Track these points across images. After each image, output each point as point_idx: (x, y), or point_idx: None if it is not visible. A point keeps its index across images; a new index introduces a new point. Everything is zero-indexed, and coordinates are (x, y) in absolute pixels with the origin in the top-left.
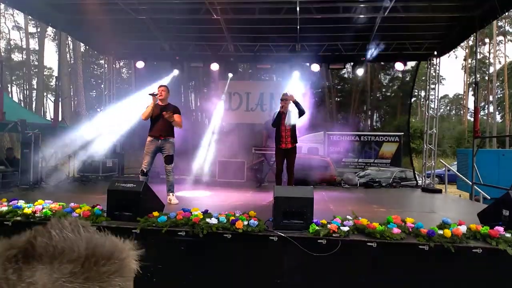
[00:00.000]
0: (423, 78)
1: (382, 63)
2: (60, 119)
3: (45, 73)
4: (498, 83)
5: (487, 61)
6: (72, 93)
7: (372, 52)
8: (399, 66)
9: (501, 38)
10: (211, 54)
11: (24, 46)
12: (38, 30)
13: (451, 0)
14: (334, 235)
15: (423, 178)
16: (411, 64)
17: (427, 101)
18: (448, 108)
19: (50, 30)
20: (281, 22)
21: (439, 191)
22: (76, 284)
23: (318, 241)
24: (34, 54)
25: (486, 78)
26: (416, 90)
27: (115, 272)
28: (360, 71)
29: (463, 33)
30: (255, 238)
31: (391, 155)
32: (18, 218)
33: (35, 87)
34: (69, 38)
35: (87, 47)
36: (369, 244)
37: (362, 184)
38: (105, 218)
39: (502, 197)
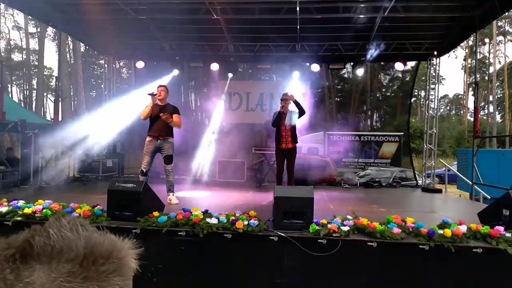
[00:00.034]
0: (423, 78)
1: (382, 63)
2: (60, 119)
3: (45, 73)
4: (498, 83)
5: (487, 61)
6: (72, 93)
7: (372, 52)
8: (399, 66)
9: (501, 38)
10: (211, 54)
11: (24, 46)
12: (38, 30)
13: (451, 0)
14: (334, 235)
15: (423, 178)
16: (411, 64)
17: (427, 101)
18: (448, 108)
19: (50, 30)
20: (281, 22)
21: (439, 191)
22: (75, 283)
23: (318, 241)
24: (34, 54)
25: (486, 78)
26: (416, 90)
27: (114, 272)
28: (360, 71)
29: (463, 33)
30: (255, 238)
31: (391, 155)
32: (18, 218)
33: (35, 87)
34: (69, 38)
35: (87, 47)
36: (369, 244)
37: (362, 184)
38: (105, 218)
39: (502, 196)
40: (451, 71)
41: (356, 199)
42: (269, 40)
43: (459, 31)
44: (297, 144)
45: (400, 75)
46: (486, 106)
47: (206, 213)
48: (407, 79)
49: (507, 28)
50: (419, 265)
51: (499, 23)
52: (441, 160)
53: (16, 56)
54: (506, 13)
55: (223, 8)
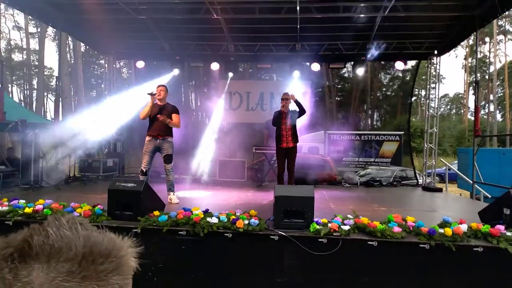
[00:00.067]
0: (423, 77)
1: (382, 62)
2: (60, 119)
3: (45, 73)
4: (499, 82)
5: (487, 60)
6: (72, 93)
7: (372, 51)
8: (399, 65)
9: (501, 37)
10: (211, 54)
11: (25, 46)
12: (39, 30)
13: None
14: (335, 234)
15: (424, 177)
16: (411, 63)
17: (428, 100)
18: (448, 107)
19: (50, 30)
20: (282, 21)
21: (440, 190)
22: (73, 283)
23: (319, 240)
24: (35, 54)
25: (487, 77)
26: (416, 89)
27: (113, 271)
28: (360, 71)
29: (463, 32)
30: (255, 237)
31: (392, 154)
32: (19, 218)
33: (35, 87)
34: (70, 38)
35: (87, 47)
36: (370, 243)
37: (362, 183)
38: (106, 218)
39: (502, 195)
40: (451, 70)
41: (357, 198)
42: (270, 39)
43: (459, 30)
44: (297, 144)
45: (400, 74)
46: (487, 105)
47: (206, 213)
48: (408, 78)
49: (507, 27)
50: (420, 264)
51: (500, 22)
52: (441, 159)
53: (17, 56)
54: (507, 12)
55: (223, 8)
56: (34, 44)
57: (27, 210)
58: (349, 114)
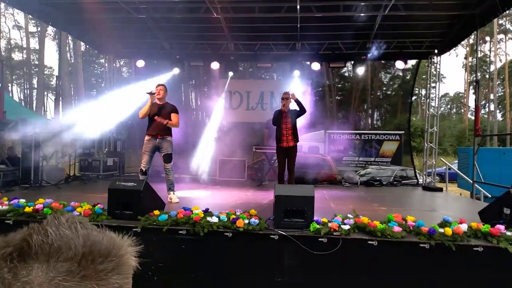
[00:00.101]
0: (424, 76)
1: (382, 61)
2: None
3: (45, 72)
4: (499, 82)
5: (487, 59)
6: (72, 92)
7: (372, 50)
8: (399, 64)
9: (501, 36)
10: (211, 53)
11: (25, 46)
12: (39, 29)
13: None
14: (335, 233)
15: (424, 176)
16: (411, 62)
17: (428, 100)
18: (448, 106)
19: (50, 30)
20: (282, 20)
21: (440, 190)
22: (73, 282)
23: (319, 239)
24: (35, 53)
25: (487, 76)
26: (416, 89)
27: (113, 270)
28: (360, 70)
29: (463, 31)
30: (256, 236)
31: (392, 153)
32: (19, 217)
33: (35, 86)
34: (70, 37)
35: (88, 46)
36: (370, 242)
37: (362, 182)
38: (106, 217)
39: (503, 195)
40: (451, 70)
41: (357, 198)
42: (270, 38)
43: (459, 29)
44: (297, 143)
45: (400, 73)
46: (487, 104)
47: (206, 212)
48: (408, 77)
49: (508, 26)
50: (420, 264)
51: (500, 21)
52: (441, 158)
53: (17, 56)
54: (507, 11)
55: (224, 7)
56: (34, 43)
57: (27, 209)
58: (349, 114)
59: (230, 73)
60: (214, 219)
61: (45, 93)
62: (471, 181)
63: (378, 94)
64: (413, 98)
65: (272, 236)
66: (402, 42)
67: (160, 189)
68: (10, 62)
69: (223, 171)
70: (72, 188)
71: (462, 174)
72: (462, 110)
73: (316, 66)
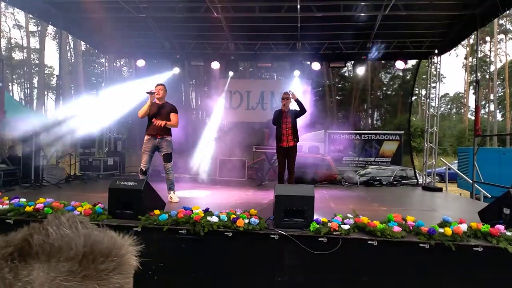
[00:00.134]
0: (424, 76)
1: (382, 61)
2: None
3: (45, 71)
4: (499, 82)
5: (488, 59)
6: (73, 92)
7: (373, 50)
8: (399, 64)
9: (502, 36)
10: (211, 53)
11: (25, 45)
12: (39, 28)
13: None
14: (335, 233)
15: (424, 176)
16: (411, 62)
17: (428, 100)
18: (448, 106)
19: (50, 29)
20: (282, 20)
21: (440, 190)
22: (74, 282)
23: (319, 239)
24: (35, 52)
25: (487, 76)
26: (416, 89)
27: (114, 270)
28: (360, 70)
29: (464, 31)
30: (256, 236)
31: (392, 153)
32: (20, 217)
33: (36, 85)
34: (70, 37)
35: (88, 45)
36: (369, 242)
37: (362, 182)
38: (106, 216)
39: (502, 195)
40: (452, 70)
41: (357, 198)
42: (270, 38)
43: (460, 29)
44: (297, 143)
45: (400, 73)
46: (487, 104)
47: (207, 212)
48: (408, 77)
49: (508, 26)
50: (420, 264)
51: (500, 21)
52: (441, 158)
53: (17, 55)
54: (507, 11)
55: (224, 7)
56: (34, 42)
57: (27, 208)
58: (349, 113)
59: (230, 73)
60: (215, 219)
61: (46, 92)
62: (471, 181)
63: (378, 94)
64: (413, 98)
65: (272, 236)
66: (402, 42)
67: (160, 188)
68: (10, 62)
69: (223, 170)
70: (73, 187)
71: (462, 174)
72: (462, 110)
73: (316, 66)
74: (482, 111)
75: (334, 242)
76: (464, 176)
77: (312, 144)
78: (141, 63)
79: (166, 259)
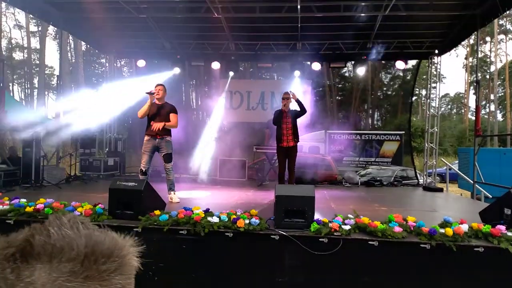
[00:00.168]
0: (424, 76)
1: (383, 61)
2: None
3: (46, 72)
4: (499, 82)
5: (488, 59)
6: (73, 92)
7: (373, 51)
8: (400, 64)
9: (502, 36)
10: (212, 53)
11: (26, 45)
12: (39, 29)
13: None
14: (335, 233)
15: (424, 177)
16: (412, 62)
17: (428, 100)
18: (449, 106)
19: (51, 29)
20: (282, 20)
21: (440, 190)
22: (76, 283)
23: (320, 239)
24: (36, 53)
25: (487, 76)
26: (417, 89)
27: (115, 271)
28: (361, 70)
29: (464, 32)
30: (256, 237)
31: (392, 154)
32: (20, 217)
33: (36, 86)
34: (70, 37)
35: (88, 45)
36: (370, 243)
37: (363, 182)
38: (106, 217)
39: (503, 196)
40: (452, 70)
41: (357, 198)
42: (270, 38)
43: (460, 29)
44: (298, 143)
45: (401, 73)
46: (487, 104)
47: (207, 212)
48: (408, 77)
49: (508, 26)
50: (421, 264)
51: (500, 22)
52: (442, 159)
53: (18, 55)
54: (507, 12)
55: (224, 7)
56: (35, 43)
57: (28, 209)
58: (350, 114)
59: (231, 73)
60: (215, 219)
61: (46, 92)
62: (472, 182)
63: (378, 94)
64: (414, 98)
65: (272, 236)
66: (402, 42)
67: (160, 189)
68: (11, 62)
69: (224, 171)
70: (73, 188)
71: (463, 175)
72: (463, 111)
73: (316, 66)
74: (483, 111)
75: (334, 242)
76: (465, 176)
77: (313, 144)
78: (141, 63)
79: (166, 260)
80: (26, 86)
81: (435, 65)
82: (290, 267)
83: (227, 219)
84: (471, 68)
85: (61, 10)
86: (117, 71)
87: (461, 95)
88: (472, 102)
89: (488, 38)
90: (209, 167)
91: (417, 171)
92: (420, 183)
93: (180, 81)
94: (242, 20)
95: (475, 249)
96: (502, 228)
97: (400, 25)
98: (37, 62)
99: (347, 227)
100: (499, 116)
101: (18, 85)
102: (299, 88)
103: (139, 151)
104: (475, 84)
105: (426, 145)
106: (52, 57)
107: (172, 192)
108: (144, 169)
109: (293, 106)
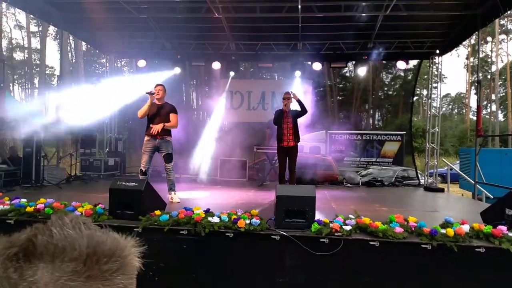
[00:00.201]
0: (425, 76)
1: (384, 61)
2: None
3: (46, 72)
4: (501, 82)
5: (489, 59)
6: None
7: (374, 51)
8: (401, 64)
9: (503, 36)
10: (212, 53)
11: (26, 45)
12: (40, 29)
13: None
14: (336, 234)
15: (426, 177)
16: (413, 62)
17: (429, 100)
18: (450, 107)
19: (51, 29)
20: (283, 20)
21: (442, 190)
22: (78, 282)
23: (320, 240)
24: (36, 53)
25: (489, 76)
26: (418, 89)
27: (117, 270)
28: (362, 70)
29: (465, 32)
30: (257, 237)
31: (393, 154)
32: (21, 217)
33: (36, 86)
34: (71, 37)
35: (89, 46)
36: (371, 243)
37: (364, 183)
38: (107, 217)
39: (505, 196)
40: (453, 70)
41: (358, 198)
42: (271, 38)
43: (461, 29)
44: (298, 143)
45: (402, 73)
46: (489, 105)
47: (207, 212)
48: (409, 77)
49: (509, 26)
50: (422, 265)
51: (502, 22)
52: (443, 159)
53: (18, 55)
54: (509, 12)
55: (225, 7)
56: (35, 43)
57: (28, 209)
58: (351, 114)
59: (231, 73)
60: (215, 219)
61: (47, 92)
62: (473, 182)
63: (379, 94)
64: (415, 98)
65: (273, 237)
66: (403, 42)
67: (161, 189)
68: (11, 62)
69: (224, 171)
70: (73, 188)
71: (464, 175)
72: (464, 111)
73: (317, 66)
74: (484, 112)
75: (335, 243)
76: (466, 176)
77: (313, 144)
78: (142, 63)
79: (167, 260)
80: (27, 86)
81: (436, 65)
82: (290, 268)
83: (227, 219)
84: (472, 68)
85: (62, 10)
86: (117, 71)
87: (462, 95)
88: (473, 102)
89: (489, 38)
90: (210, 167)
91: (418, 171)
92: (421, 183)
93: (180, 81)
94: (242, 20)
95: (476, 249)
96: (503, 228)
97: (401, 25)
98: (38, 62)
99: (348, 228)
100: (501, 116)
101: (19, 85)
102: (300, 88)
103: (139, 151)
104: (476, 84)
105: (427, 145)
106: (52, 57)
107: (172, 192)
108: (144, 169)
109: (294, 106)
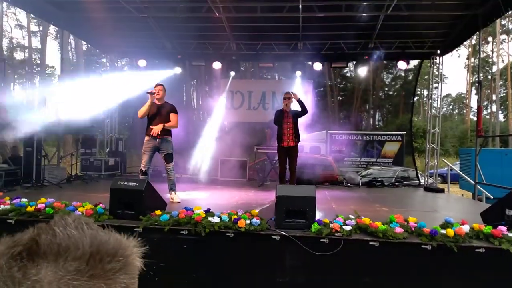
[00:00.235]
0: (426, 77)
1: (384, 61)
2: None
3: (47, 71)
4: (501, 82)
5: (490, 60)
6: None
7: (374, 51)
8: (401, 65)
9: (504, 36)
10: (213, 53)
11: (27, 45)
12: (40, 28)
13: None
14: (336, 234)
15: (426, 177)
16: (413, 63)
17: (430, 100)
18: (451, 107)
19: (52, 29)
20: (284, 20)
21: (442, 191)
22: (82, 281)
23: (321, 240)
24: (37, 52)
25: (489, 77)
26: (418, 89)
27: (120, 270)
28: (362, 70)
29: (466, 32)
30: (257, 237)
31: (394, 154)
32: (21, 217)
33: (37, 86)
34: (71, 37)
35: (89, 45)
36: (371, 243)
37: (364, 183)
38: (107, 217)
39: (505, 196)
40: (454, 70)
41: (358, 199)
42: (271, 38)
43: (462, 29)
44: (299, 143)
45: (402, 74)
46: (489, 105)
47: (208, 212)
48: (410, 78)
49: (510, 26)
50: (422, 265)
51: (503, 22)
52: (443, 159)
53: (19, 55)
54: (510, 12)
55: (225, 7)
56: (36, 42)
57: (29, 208)
58: (351, 114)
59: (232, 73)
60: (216, 219)
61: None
62: (473, 182)
63: (380, 94)
64: (415, 98)
65: (273, 237)
66: (404, 42)
67: (161, 189)
68: (12, 62)
69: (224, 171)
70: (74, 187)
71: (464, 175)
72: (464, 111)
73: (318, 66)
74: (484, 112)
75: (335, 243)
76: (466, 177)
77: (314, 144)
78: (142, 63)
79: (167, 260)
80: (27, 86)
81: (437, 65)
82: (291, 268)
83: (228, 219)
84: (473, 68)
85: (62, 9)
86: (118, 71)
87: (463, 95)
88: (474, 102)
89: (490, 38)
90: (210, 167)
91: (418, 171)
92: (421, 183)
93: (181, 81)
94: (243, 20)
95: (476, 250)
96: (503, 229)
97: (402, 25)
98: (38, 62)
99: (348, 228)
100: (501, 117)
101: (19, 84)
102: (301, 88)
103: (140, 151)
104: (477, 84)
105: (428, 145)
106: (53, 57)
107: (173, 192)
108: (144, 169)
109: (294, 106)
